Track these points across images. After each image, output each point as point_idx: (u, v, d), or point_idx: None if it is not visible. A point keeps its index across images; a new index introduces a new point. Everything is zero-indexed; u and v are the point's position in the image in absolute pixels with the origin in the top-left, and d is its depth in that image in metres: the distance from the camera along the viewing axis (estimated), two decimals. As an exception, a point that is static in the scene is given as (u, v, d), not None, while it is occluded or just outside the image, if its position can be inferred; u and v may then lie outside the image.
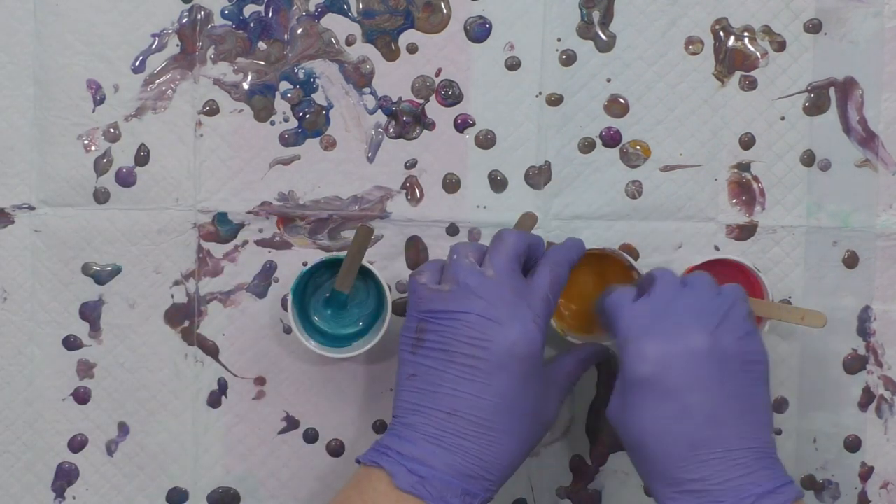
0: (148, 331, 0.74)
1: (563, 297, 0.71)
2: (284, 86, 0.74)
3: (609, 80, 0.74)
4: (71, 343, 0.74)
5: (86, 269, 0.74)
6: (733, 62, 0.74)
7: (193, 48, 0.73)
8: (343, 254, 0.69)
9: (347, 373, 0.74)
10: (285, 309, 0.73)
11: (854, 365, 0.74)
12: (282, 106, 0.74)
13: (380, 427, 0.74)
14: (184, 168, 0.73)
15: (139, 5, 0.73)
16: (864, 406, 0.74)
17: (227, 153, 0.74)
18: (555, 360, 0.67)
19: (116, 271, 0.74)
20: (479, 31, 0.74)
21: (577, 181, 0.74)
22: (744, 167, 0.74)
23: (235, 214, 0.74)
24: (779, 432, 0.74)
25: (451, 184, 0.74)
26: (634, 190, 0.74)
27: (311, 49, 0.74)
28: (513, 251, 0.62)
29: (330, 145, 0.74)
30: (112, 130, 0.73)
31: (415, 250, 0.74)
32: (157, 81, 0.73)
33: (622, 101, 0.74)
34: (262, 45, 0.74)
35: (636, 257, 0.73)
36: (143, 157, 0.73)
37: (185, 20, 0.73)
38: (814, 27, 0.74)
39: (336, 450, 0.74)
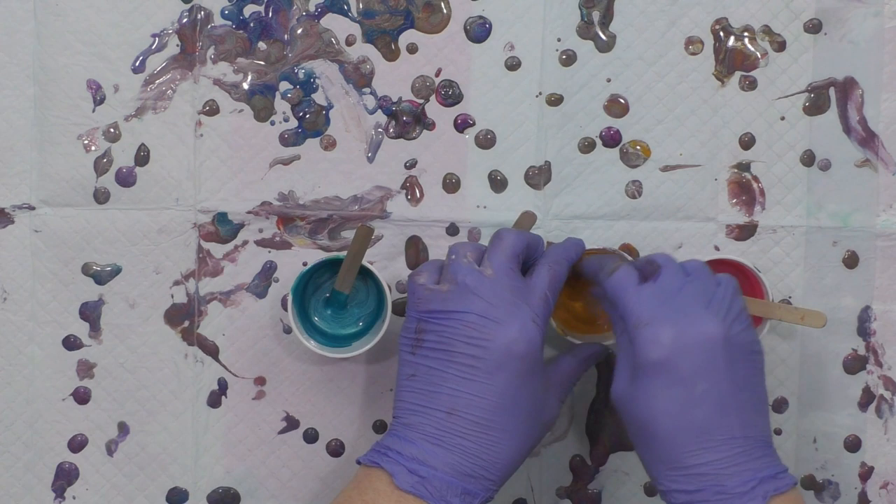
0: (148, 331, 0.74)
1: (563, 297, 0.71)
2: (284, 86, 0.74)
3: (609, 80, 0.74)
4: (71, 343, 0.74)
5: (86, 269, 0.74)
6: (733, 62, 0.74)
7: (193, 48, 0.73)
8: (343, 254, 0.69)
9: (347, 373, 0.74)
10: (285, 309, 0.73)
11: (854, 365, 0.74)
12: (282, 106, 0.74)
13: (380, 427, 0.74)
14: (184, 168, 0.73)
15: (139, 5, 0.73)
16: (864, 406, 0.74)
17: (227, 153, 0.74)
18: (555, 359, 0.67)
19: (116, 271, 0.74)
20: (479, 31, 0.74)
21: (577, 181, 0.74)
22: (744, 167, 0.74)
23: (235, 214, 0.74)
24: (779, 432, 0.74)
25: (451, 184, 0.74)
26: (634, 190, 0.74)
27: (311, 49, 0.74)
28: (511, 250, 0.62)
29: (330, 145, 0.74)
30: (112, 130, 0.73)
31: (415, 250, 0.74)
32: (157, 81, 0.73)
33: (622, 101, 0.74)
34: (262, 45, 0.74)
35: (636, 257, 0.73)
36: (143, 157, 0.73)
37: (185, 20, 0.73)
38: (814, 27, 0.74)
39: (336, 450, 0.74)
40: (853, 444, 0.74)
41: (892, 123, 0.74)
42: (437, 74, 0.74)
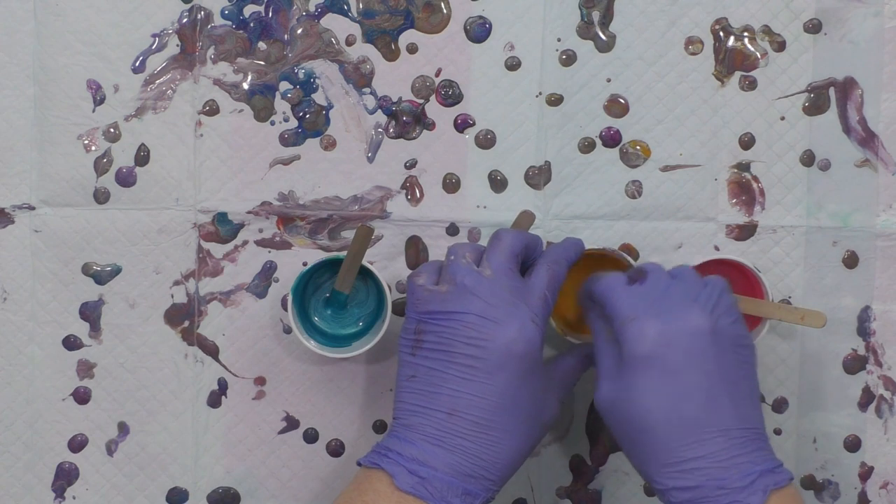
0: (148, 331, 0.74)
1: (563, 298, 0.71)
2: (284, 86, 0.74)
3: (609, 80, 0.74)
4: (71, 343, 0.74)
5: (86, 269, 0.74)
6: (733, 62, 0.74)
7: (193, 48, 0.73)
8: (343, 254, 0.69)
9: (347, 373, 0.74)
10: (285, 309, 0.73)
11: (854, 365, 0.74)
12: (282, 106, 0.74)
13: (380, 427, 0.74)
14: (184, 168, 0.73)
15: (139, 5, 0.73)
16: (864, 406, 0.74)
17: (227, 153, 0.74)
18: (555, 359, 0.67)
19: (116, 271, 0.74)
20: (479, 31, 0.74)
21: (577, 181, 0.74)
22: (744, 167, 0.74)
23: (235, 214, 0.74)
24: (779, 432, 0.74)
25: (451, 184, 0.74)
26: (634, 190, 0.74)
27: (311, 49, 0.74)
28: (510, 250, 0.62)
29: (330, 145, 0.74)
30: (112, 130, 0.73)
31: (415, 250, 0.74)
32: (157, 81, 0.73)
33: (622, 101, 0.74)
34: (262, 45, 0.74)
35: (636, 257, 0.73)
36: (143, 157, 0.73)
37: (185, 20, 0.73)
38: (814, 27, 0.74)
39: (336, 450, 0.74)
40: (853, 444, 0.74)
41: (892, 123, 0.74)
42: (437, 74, 0.74)
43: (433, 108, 0.74)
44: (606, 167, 0.74)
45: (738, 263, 0.70)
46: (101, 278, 0.74)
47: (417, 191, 0.74)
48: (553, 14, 0.74)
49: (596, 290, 0.63)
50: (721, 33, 0.74)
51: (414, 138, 0.74)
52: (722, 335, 0.59)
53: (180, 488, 0.74)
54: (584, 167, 0.74)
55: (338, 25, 0.74)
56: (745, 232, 0.74)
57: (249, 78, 0.74)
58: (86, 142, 0.73)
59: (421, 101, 0.74)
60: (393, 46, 0.74)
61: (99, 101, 0.73)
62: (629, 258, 0.70)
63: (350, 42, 0.74)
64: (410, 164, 0.74)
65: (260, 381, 0.74)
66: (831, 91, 0.74)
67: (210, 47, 0.73)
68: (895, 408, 0.74)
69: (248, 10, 0.74)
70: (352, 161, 0.74)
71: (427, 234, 0.74)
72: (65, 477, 0.74)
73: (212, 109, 0.73)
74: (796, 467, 0.74)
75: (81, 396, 0.74)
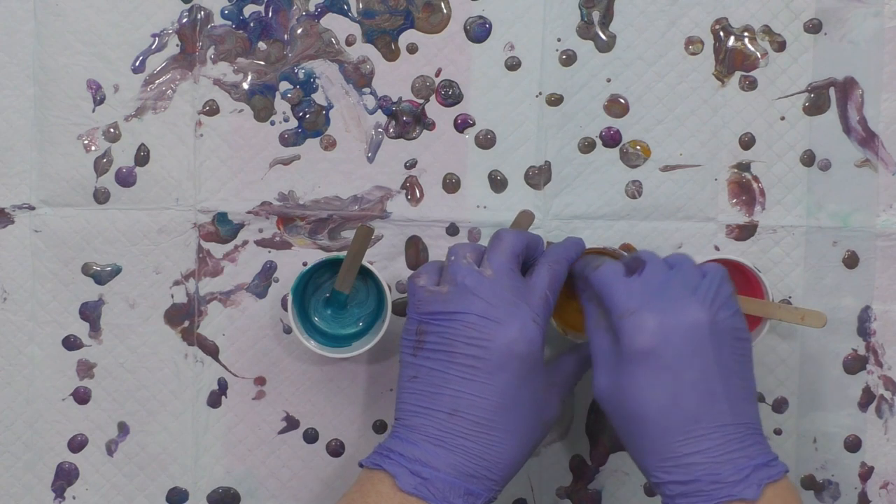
0: (148, 331, 0.74)
1: (563, 297, 0.71)
2: (284, 86, 0.74)
3: (609, 80, 0.74)
4: (71, 343, 0.74)
5: (86, 269, 0.74)
6: (733, 62, 0.74)
7: (193, 48, 0.73)
8: (343, 254, 0.69)
9: (347, 373, 0.74)
10: (285, 309, 0.73)
11: (854, 365, 0.74)
12: (282, 106, 0.74)
13: (380, 427, 0.74)
14: (184, 168, 0.73)
15: (139, 5, 0.73)
16: (864, 406, 0.74)
17: (227, 153, 0.74)
18: (556, 359, 0.67)
19: (116, 271, 0.74)
20: (479, 31, 0.74)
21: (577, 181, 0.74)
22: (744, 167, 0.74)
23: (235, 214, 0.74)
24: (779, 432, 0.74)
25: (451, 184, 0.74)
26: (634, 190, 0.74)
27: (311, 49, 0.74)
28: (510, 250, 0.62)
29: (330, 145, 0.74)
30: (112, 130, 0.73)
31: (415, 250, 0.74)
32: (157, 81, 0.73)
33: (622, 101, 0.74)
34: (262, 45, 0.74)
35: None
36: (143, 157, 0.73)
37: (185, 20, 0.73)
38: (814, 27, 0.74)
39: (336, 450, 0.74)
40: (853, 444, 0.74)
41: (892, 123, 0.74)
42: (437, 74, 0.74)
43: (433, 108, 0.74)
44: (606, 167, 0.74)
45: (739, 263, 0.70)
46: (101, 278, 0.74)
47: (417, 191, 0.74)
48: (553, 14, 0.74)
49: (594, 280, 0.62)
50: (721, 33, 0.74)
51: (414, 138, 0.74)
52: (720, 328, 0.59)
53: (180, 488, 0.74)
54: (584, 167, 0.74)
55: (338, 25, 0.74)
56: (745, 232, 0.74)
57: (249, 78, 0.74)
58: (86, 142, 0.73)
59: (421, 101, 0.74)
60: (393, 46, 0.74)
61: (99, 101, 0.73)
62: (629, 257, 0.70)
63: (350, 42, 0.74)
64: (410, 164, 0.74)
65: (260, 381, 0.74)
66: (831, 91, 0.74)
67: (210, 47, 0.73)
68: (895, 408, 0.74)
69: (248, 10, 0.74)
70: (352, 161, 0.74)
71: (427, 234, 0.74)
72: (65, 477, 0.74)
73: (212, 109, 0.73)
74: (796, 467, 0.74)
75: (81, 396, 0.74)
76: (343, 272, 0.69)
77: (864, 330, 0.74)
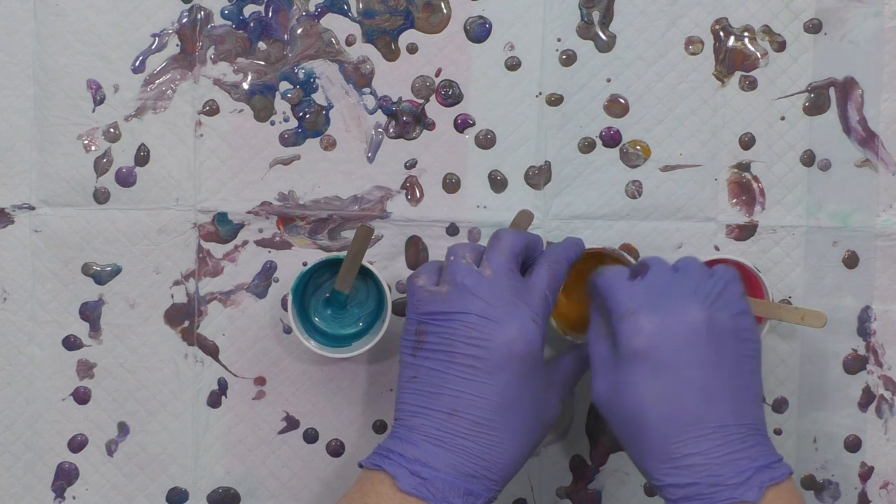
0: (148, 331, 0.74)
1: (563, 297, 0.72)
2: (284, 86, 0.74)
3: (609, 80, 0.74)
4: (71, 343, 0.74)
5: (86, 269, 0.74)
6: (733, 62, 0.74)
7: (193, 48, 0.73)
8: (343, 254, 0.69)
9: (347, 373, 0.74)
10: (285, 309, 0.73)
11: (854, 365, 0.74)
12: (282, 106, 0.74)
13: (380, 427, 0.74)
14: (184, 168, 0.73)
15: (139, 5, 0.73)
16: (864, 406, 0.74)
17: (227, 153, 0.74)
18: (556, 359, 0.67)
19: (116, 271, 0.74)
20: (479, 31, 0.74)
21: (577, 181, 0.74)
22: (744, 167, 0.74)
23: (235, 214, 0.74)
24: (779, 432, 0.74)
25: (451, 184, 0.74)
26: (634, 190, 0.74)
27: (311, 49, 0.74)
28: (510, 250, 0.62)
29: (330, 145, 0.74)
30: (112, 130, 0.73)
31: (415, 250, 0.74)
32: (157, 81, 0.73)
33: (622, 101, 0.74)
34: (262, 45, 0.74)
35: (636, 257, 0.73)
36: (143, 157, 0.73)
37: (185, 20, 0.73)
38: (814, 27, 0.74)
39: (336, 450, 0.74)
40: (853, 444, 0.74)
41: (892, 123, 0.74)
42: (437, 74, 0.74)
43: (433, 108, 0.74)
44: (606, 167, 0.74)
45: (739, 263, 0.70)
46: (101, 278, 0.74)
47: (417, 191, 0.74)
48: (553, 14, 0.74)
49: (598, 283, 0.63)
50: (721, 33, 0.74)
51: (414, 138, 0.74)
52: (721, 328, 0.59)
53: (180, 488, 0.74)
54: (584, 167, 0.74)
55: (338, 25, 0.74)
56: (745, 232, 0.74)
57: (249, 78, 0.74)
58: (86, 142, 0.73)
59: (421, 101, 0.74)
60: (393, 46, 0.74)
61: (99, 101, 0.73)
62: (629, 258, 0.70)
63: (350, 42, 0.74)
64: (410, 164, 0.74)
65: (260, 381, 0.74)
66: (831, 91, 0.74)
67: (210, 47, 0.73)
68: (895, 408, 0.74)
69: (248, 10, 0.74)
70: (352, 161, 0.74)
71: (427, 234, 0.74)
72: (65, 477, 0.74)
73: (212, 109, 0.73)
74: (796, 467, 0.74)
75: (81, 396, 0.74)
76: (343, 272, 0.69)
77: (864, 330, 0.74)
